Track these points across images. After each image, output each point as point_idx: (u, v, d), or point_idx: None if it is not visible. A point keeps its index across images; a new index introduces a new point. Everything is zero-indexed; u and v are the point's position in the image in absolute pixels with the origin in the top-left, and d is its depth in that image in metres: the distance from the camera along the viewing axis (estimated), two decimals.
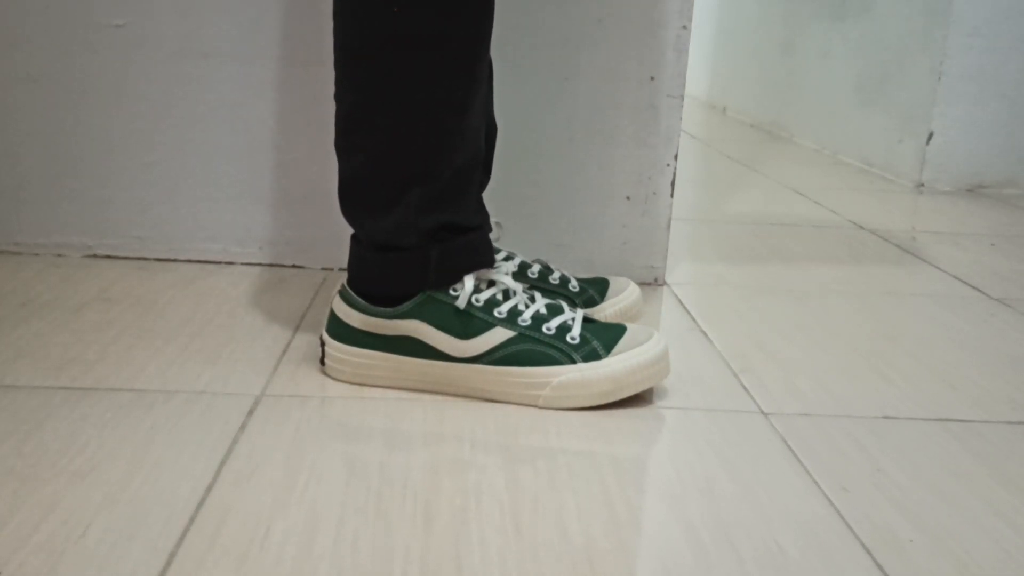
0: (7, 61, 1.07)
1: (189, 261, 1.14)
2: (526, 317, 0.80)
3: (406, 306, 0.79)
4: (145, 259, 1.14)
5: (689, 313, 1.06)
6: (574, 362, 0.79)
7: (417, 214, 0.77)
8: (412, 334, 0.79)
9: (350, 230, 1.12)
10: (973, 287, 1.23)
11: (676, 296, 1.12)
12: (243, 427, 0.72)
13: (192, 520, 0.59)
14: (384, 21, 0.73)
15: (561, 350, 0.79)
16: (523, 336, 0.79)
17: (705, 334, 0.99)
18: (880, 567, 0.59)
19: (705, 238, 1.42)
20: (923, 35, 1.92)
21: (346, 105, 0.78)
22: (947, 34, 1.85)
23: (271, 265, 1.14)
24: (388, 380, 0.81)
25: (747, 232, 1.47)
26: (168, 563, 0.55)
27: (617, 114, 1.10)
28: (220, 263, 1.14)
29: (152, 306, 0.98)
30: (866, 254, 1.38)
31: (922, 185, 1.95)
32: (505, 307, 0.80)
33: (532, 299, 0.82)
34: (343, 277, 0.84)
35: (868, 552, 0.60)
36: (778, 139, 2.60)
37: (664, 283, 1.16)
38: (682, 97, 1.10)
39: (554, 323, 0.80)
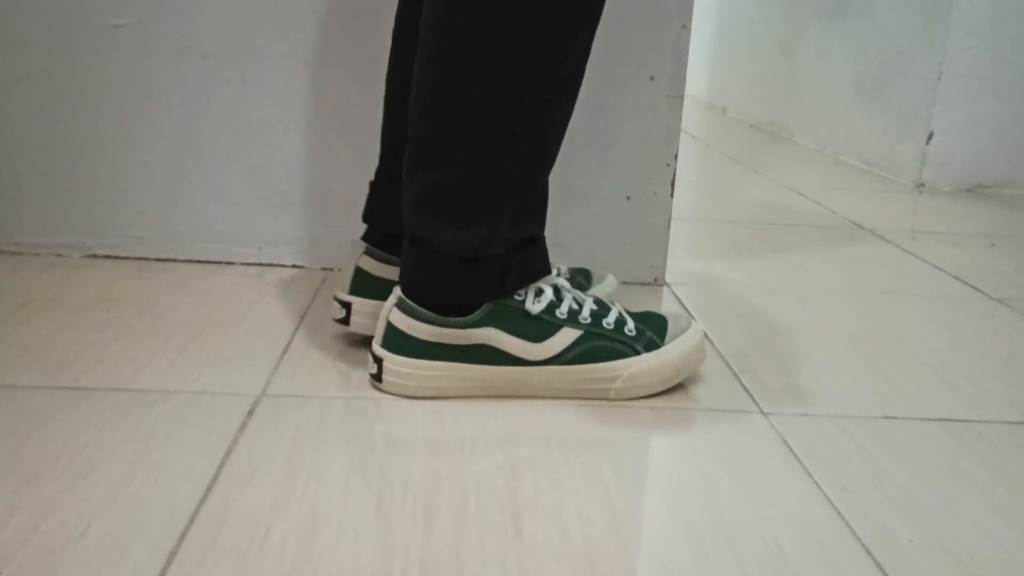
0: (7, 61, 1.07)
1: (189, 261, 1.14)
2: (585, 315, 0.81)
3: (479, 314, 0.78)
4: (145, 259, 1.14)
5: (689, 313, 1.06)
6: (638, 353, 0.81)
7: (510, 226, 0.77)
8: (487, 342, 0.79)
9: (349, 231, 1.12)
10: (973, 287, 1.23)
11: (676, 296, 1.12)
12: (243, 427, 0.72)
13: (192, 520, 0.59)
14: (503, 30, 0.72)
15: (624, 343, 0.82)
16: (589, 334, 0.81)
17: (705, 334, 0.99)
18: (880, 567, 0.59)
19: (705, 238, 1.42)
20: (923, 35, 1.92)
21: (447, 113, 0.74)
22: (947, 34, 1.85)
23: (271, 265, 1.14)
24: (456, 390, 0.80)
25: (747, 232, 1.47)
26: (168, 563, 0.55)
27: (617, 114, 1.10)
28: (220, 263, 1.14)
29: (152, 306, 0.98)
30: (866, 254, 1.38)
31: (922, 185, 1.95)
32: (564, 308, 0.81)
33: (576, 297, 0.84)
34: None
35: (868, 552, 0.60)
36: (778, 139, 2.60)
37: (664, 283, 1.16)
38: (682, 97, 1.10)
39: (611, 318, 0.82)
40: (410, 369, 0.79)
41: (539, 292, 0.80)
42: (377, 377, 0.80)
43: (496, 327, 0.78)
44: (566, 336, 0.80)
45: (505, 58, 0.72)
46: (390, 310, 0.79)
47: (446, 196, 0.76)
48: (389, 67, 0.90)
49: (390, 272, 0.88)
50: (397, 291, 0.79)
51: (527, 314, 0.79)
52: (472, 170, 0.75)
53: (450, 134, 0.75)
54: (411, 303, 0.78)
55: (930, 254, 1.40)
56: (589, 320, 0.81)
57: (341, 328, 0.94)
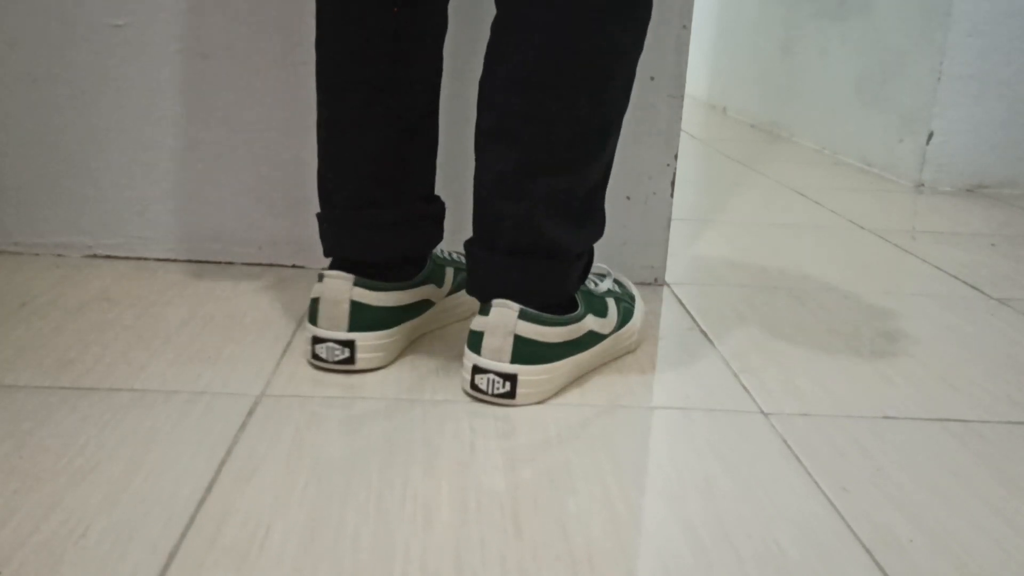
0: (7, 61, 1.07)
1: (189, 261, 1.14)
2: (606, 285, 0.90)
3: (583, 305, 0.84)
4: (145, 259, 1.14)
5: (689, 313, 1.06)
6: (633, 304, 0.94)
7: (602, 218, 0.85)
8: (590, 328, 0.84)
9: None
10: (973, 287, 1.23)
11: (676, 296, 1.12)
12: (243, 427, 0.72)
13: (192, 520, 0.59)
14: (637, 43, 0.78)
15: (627, 300, 0.93)
16: (618, 299, 0.91)
17: (705, 334, 0.99)
18: (880, 567, 0.59)
19: (705, 238, 1.42)
20: (923, 35, 1.92)
21: (583, 121, 0.76)
22: (947, 34, 1.85)
23: (271, 265, 1.14)
24: (571, 379, 0.84)
25: (747, 232, 1.47)
26: (168, 563, 0.55)
27: None
28: (220, 263, 1.14)
29: (152, 306, 0.98)
30: (866, 254, 1.38)
31: (922, 185, 1.95)
32: (603, 284, 0.90)
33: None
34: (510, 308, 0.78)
35: (868, 552, 0.60)
36: (778, 139, 2.60)
37: (664, 283, 1.16)
38: (682, 97, 1.10)
39: (616, 284, 0.94)
40: (546, 375, 0.79)
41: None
42: (510, 394, 0.78)
43: (589, 312, 0.84)
44: (613, 306, 0.88)
45: (632, 66, 0.78)
46: (514, 325, 0.77)
47: (574, 198, 0.79)
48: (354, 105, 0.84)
49: (389, 299, 0.84)
50: (507, 306, 0.78)
51: (593, 295, 0.87)
52: (597, 171, 0.80)
53: (586, 140, 0.77)
54: (535, 311, 0.78)
55: (930, 254, 1.40)
56: (607, 289, 0.90)
57: None
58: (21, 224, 1.12)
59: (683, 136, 2.55)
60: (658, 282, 1.16)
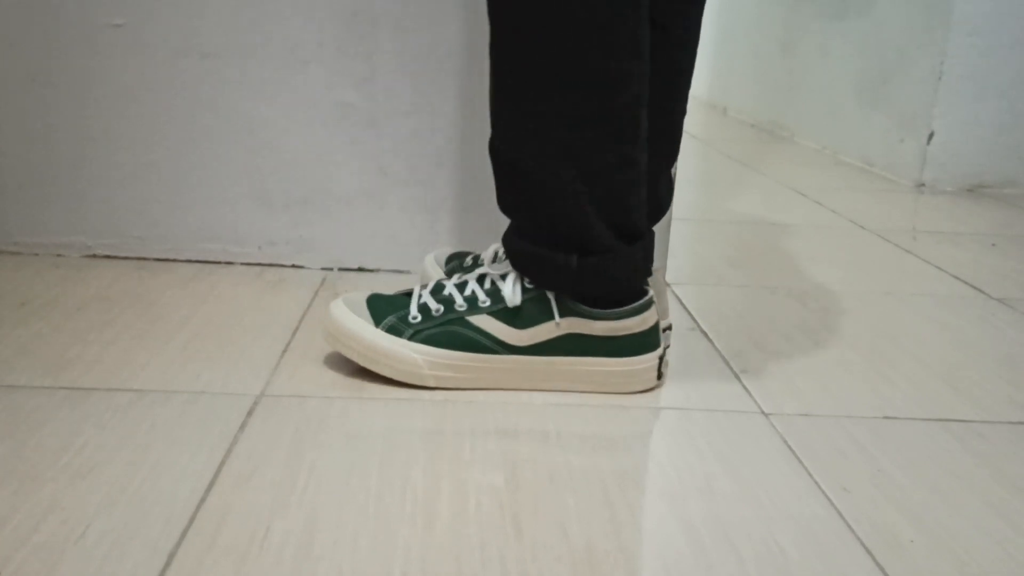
0: (7, 61, 1.07)
1: (189, 261, 1.14)
2: None
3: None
4: (145, 259, 1.14)
5: (689, 313, 1.06)
6: None
7: None
8: None
9: (349, 231, 1.12)
10: (973, 287, 1.23)
11: (676, 296, 1.12)
12: (243, 427, 0.72)
13: (192, 520, 0.59)
14: None
15: None
16: None
17: (705, 334, 0.99)
18: (880, 567, 0.59)
19: (705, 238, 1.42)
20: (923, 35, 1.92)
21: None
22: (947, 34, 1.85)
23: (271, 265, 1.14)
24: None
25: (747, 232, 1.47)
26: (168, 563, 0.55)
27: None
28: (220, 263, 1.14)
29: (152, 306, 0.98)
30: (866, 254, 1.38)
31: (923, 185, 1.95)
32: None
33: None
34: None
35: (868, 552, 0.60)
36: (778, 139, 2.60)
37: (664, 283, 1.16)
38: None
39: None
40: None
41: None
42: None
43: None
44: None
45: None
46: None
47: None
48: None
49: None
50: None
51: None
52: None
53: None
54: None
55: (930, 254, 1.39)
56: None
57: None
58: (21, 224, 1.12)
59: (683, 136, 2.55)
60: None
